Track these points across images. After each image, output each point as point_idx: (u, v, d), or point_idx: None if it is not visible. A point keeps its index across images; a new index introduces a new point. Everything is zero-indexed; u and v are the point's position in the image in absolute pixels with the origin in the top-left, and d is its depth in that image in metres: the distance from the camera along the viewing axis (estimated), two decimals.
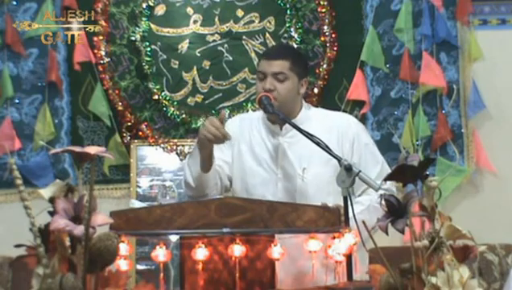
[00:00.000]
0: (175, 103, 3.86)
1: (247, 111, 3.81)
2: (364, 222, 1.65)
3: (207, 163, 2.47)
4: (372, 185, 2.13)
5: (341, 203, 2.11)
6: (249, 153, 2.61)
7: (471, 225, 1.64)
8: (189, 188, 2.56)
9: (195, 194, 2.54)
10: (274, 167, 2.57)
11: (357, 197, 2.47)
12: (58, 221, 1.49)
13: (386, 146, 3.84)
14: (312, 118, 2.64)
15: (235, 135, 2.60)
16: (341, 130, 2.60)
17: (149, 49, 3.85)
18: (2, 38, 3.81)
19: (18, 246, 1.59)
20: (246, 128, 2.67)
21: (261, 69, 2.60)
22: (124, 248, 1.90)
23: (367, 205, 2.42)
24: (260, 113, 2.67)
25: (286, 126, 2.53)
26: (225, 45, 3.91)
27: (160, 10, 3.90)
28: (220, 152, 2.58)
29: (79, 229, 1.50)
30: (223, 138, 2.39)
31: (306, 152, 2.47)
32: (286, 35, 3.91)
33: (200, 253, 1.87)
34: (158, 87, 3.85)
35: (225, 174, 2.62)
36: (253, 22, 3.93)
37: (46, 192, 1.58)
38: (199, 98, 3.89)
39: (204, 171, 2.47)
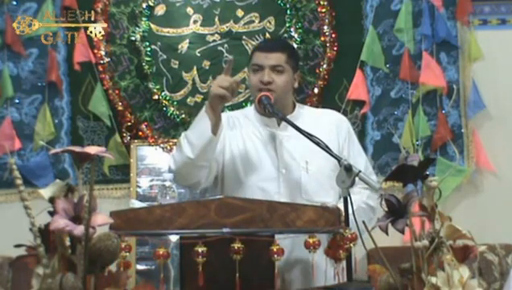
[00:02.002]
0: (175, 103, 3.86)
1: None
2: (364, 223, 1.65)
3: (217, 126, 2.42)
4: (372, 185, 2.13)
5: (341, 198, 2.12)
6: (245, 147, 2.57)
7: (471, 225, 1.64)
8: (183, 165, 2.42)
9: (188, 170, 2.43)
10: (275, 160, 2.55)
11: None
12: (58, 221, 1.49)
13: (386, 146, 3.84)
14: (306, 115, 2.65)
15: (225, 131, 2.59)
16: (337, 125, 2.64)
17: (149, 49, 3.85)
18: (2, 38, 3.81)
19: (18, 246, 1.59)
20: (237, 123, 2.64)
21: (256, 62, 2.56)
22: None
23: (356, 206, 2.41)
24: (250, 109, 2.67)
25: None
26: (225, 45, 3.91)
27: (160, 10, 3.90)
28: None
29: (79, 229, 1.50)
30: (236, 87, 2.39)
31: (308, 145, 2.39)
32: (286, 35, 3.91)
33: (200, 253, 1.87)
34: (158, 87, 3.85)
35: (217, 165, 2.55)
36: (253, 22, 3.93)
37: (46, 192, 1.58)
38: (199, 98, 3.89)
39: (214, 134, 2.40)
